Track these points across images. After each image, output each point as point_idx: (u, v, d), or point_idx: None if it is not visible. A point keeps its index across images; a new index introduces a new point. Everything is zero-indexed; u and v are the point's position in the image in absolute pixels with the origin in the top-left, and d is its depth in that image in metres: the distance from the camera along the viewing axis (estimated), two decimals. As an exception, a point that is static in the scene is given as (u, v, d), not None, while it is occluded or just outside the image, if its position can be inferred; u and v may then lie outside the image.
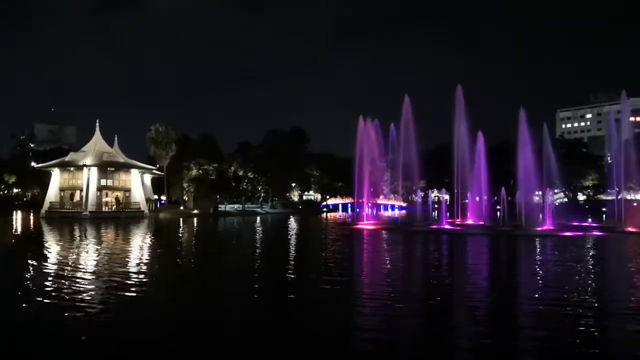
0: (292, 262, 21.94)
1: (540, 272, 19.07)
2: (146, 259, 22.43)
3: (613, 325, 10.71)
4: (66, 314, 11.09)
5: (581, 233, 35.93)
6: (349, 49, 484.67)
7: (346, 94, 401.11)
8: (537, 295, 13.97)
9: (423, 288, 15.56)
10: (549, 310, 11.81)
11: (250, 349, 8.95)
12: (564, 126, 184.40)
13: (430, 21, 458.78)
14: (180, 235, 39.55)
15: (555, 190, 63.94)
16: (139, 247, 28.36)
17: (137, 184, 70.72)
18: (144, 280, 16.34)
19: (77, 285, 14.66)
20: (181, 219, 60.90)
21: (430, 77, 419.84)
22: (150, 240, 32.82)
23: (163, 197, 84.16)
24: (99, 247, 27.09)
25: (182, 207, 79.34)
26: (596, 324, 10.70)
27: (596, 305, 12.78)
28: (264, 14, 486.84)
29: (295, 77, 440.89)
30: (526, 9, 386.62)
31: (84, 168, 66.25)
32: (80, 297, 13.04)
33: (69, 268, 18.46)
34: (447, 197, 59.64)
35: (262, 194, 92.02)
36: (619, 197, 47.76)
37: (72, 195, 69.06)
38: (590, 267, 20.61)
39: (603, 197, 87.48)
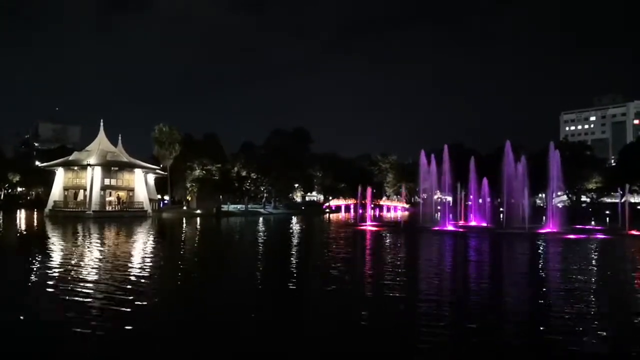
0: (296, 262, 22.00)
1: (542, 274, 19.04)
2: (148, 261, 22.50)
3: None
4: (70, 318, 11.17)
5: (584, 236, 35.85)
6: (349, 49, 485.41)
7: (347, 93, 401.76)
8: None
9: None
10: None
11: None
12: (567, 128, 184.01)
13: (430, 21, 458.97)
14: (183, 235, 39.67)
15: (559, 193, 63.71)
16: (142, 247, 28.49)
17: (141, 184, 70.93)
18: (147, 282, 16.41)
19: (80, 287, 14.75)
20: (184, 219, 61.05)
21: (431, 76, 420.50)
22: (153, 241, 32.95)
23: (166, 197, 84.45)
24: (102, 247, 27.31)
25: (185, 207, 79.63)
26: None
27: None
28: (264, 15, 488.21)
29: (297, 77, 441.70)
30: (532, 8, 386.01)
31: (88, 167, 66.47)
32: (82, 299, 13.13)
33: (74, 268, 18.56)
34: (449, 198, 59.56)
35: (265, 195, 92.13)
36: (622, 200, 47.61)
37: (75, 195, 69.30)
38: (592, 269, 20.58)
39: (607, 199, 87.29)
